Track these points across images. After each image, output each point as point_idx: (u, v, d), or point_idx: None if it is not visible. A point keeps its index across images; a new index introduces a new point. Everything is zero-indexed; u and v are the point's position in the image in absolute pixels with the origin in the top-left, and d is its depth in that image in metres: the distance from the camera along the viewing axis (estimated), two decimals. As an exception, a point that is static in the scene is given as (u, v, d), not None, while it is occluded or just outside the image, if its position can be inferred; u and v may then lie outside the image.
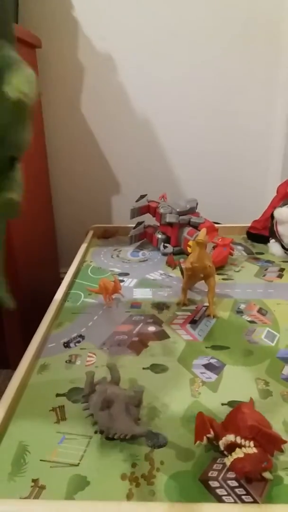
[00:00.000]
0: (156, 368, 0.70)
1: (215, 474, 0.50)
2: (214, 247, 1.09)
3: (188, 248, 1.13)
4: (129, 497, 0.47)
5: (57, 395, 0.63)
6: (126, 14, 1.38)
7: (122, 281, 1.02)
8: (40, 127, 1.47)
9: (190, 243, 1.11)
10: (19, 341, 1.20)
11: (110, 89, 1.47)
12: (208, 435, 0.50)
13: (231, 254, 1.13)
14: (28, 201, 1.30)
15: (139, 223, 1.27)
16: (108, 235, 1.38)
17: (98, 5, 1.37)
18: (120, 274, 1.07)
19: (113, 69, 1.45)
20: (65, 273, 1.04)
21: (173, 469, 0.50)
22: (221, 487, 0.48)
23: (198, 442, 0.51)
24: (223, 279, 1.04)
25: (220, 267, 1.09)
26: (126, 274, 1.07)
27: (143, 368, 0.69)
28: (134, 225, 1.27)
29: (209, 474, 0.50)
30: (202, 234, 0.81)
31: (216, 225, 1.21)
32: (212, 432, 0.50)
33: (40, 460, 0.52)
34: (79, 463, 0.51)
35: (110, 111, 1.51)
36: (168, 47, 1.42)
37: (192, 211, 1.19)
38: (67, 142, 1.56)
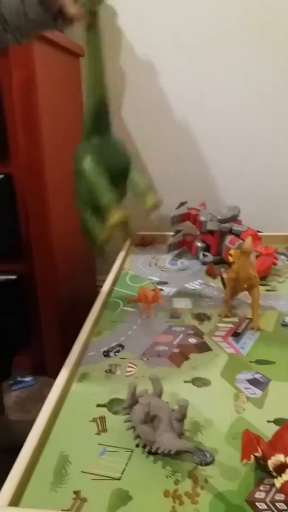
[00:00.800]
0: (198, 382, 0.68)
1: (262, 495, 0.48)
2: (257, 257, 1.06)
3: (229, 257, 1.10)
4: (172, 515, 0.45)
5: (98, 405, 0.62)
6: (168, 21, 1.38)
7: (161, 290, 1.01)
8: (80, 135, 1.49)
9: (232, 252, 1.08)
10: (57, 348, 1.20)
11: (151, 96, 1.47)
12: (255, 454, 0.48)
13: (275, 264, 1.09)
14: (68, 208, 1.32)
15: (177, 231, 1.26)
16: (145, 243, 1.37)
17: (141, 12, 1.38)
18: (159, 283, 1.06)
19: (154, 76, 1.45)
20: (103, 281, 1.04)
21: (218, 488, 0.48)
22: (269, 509, 0.46)
23: (245, 460, 0.48)
24: (266, 290, 1.01)
25: (263, 278, 1.05)
26: (165, 283, 1.06)
27: (185, 382, 0.68)
28: (172, 233, 1.26)
29: (256, 495, 0.48)
30: (248, 242, 0.78)
31: (259, 233, 1.18)
32: (259, 451, 0.48)
33: (82, 471, 0.51)
34: (121, 476, 0.50)
35: (151, 118, 1.51)
36: (210, 54, 1.40)
37: (234, 218, 1.16)
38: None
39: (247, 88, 1.43)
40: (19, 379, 1.26)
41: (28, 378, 1.26)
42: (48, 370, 1.28)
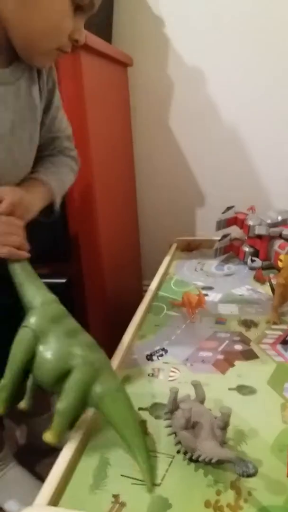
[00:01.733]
0: (244, 390, 0.65)
1: (311, 514, 0.45)
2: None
3: (279, 262, 1.06)
4: (213, 527, 0.44)
5: (140, 409, 0.62)
6: (215, 28, 1.37)
7: (206, 295, 0.99)
8: (129, 143, 1.52)
9: (282, 257, 1.04)
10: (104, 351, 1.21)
11: (197, 102, 1.47)
12: (303, 469, 0.45)
13: None
14: (116, 215, 1.34)
15: (224, 236, 1.23)
16: (191, 248, 1.35)
17: (187, 21, 1.38)
18: (204, 288, 1.04)
19: (202, 83, 1.44)
20: (148, 285, 1.04)
21: (262, 501, 0.46)
22: None
23: (291, 475, 0.46)
24: None
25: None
26: (210, 288, 1.04)
27: (229, 389, 0.65)
28: (219, 238, 1.23)
29: (304, 513, 0.45)
30: (296, 247, 0.75)
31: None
32: (308, 466, 0.45)
33: (121, 475, 0.50)
34: (161, 483, 0.49)
35: (198, 124, 1.50)
36: (256, 59, 1.38)
37: (284, 223, 1.12)
38: (154, 156, 1.58)
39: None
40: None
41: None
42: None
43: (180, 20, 1.39)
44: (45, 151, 0.80)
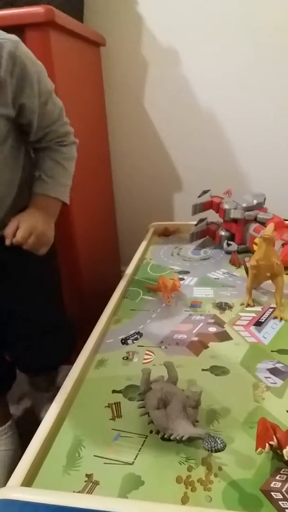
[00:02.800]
0: (217, 370, 0.66)
1: (278, 485, 0.46)
2: (283, 245, 1.02)
3: (254, 245, 1.07)
4: (184, 501, 0.45)
5: (113, 391, 0.62)
6: (190, 6, 1.35)
7: (182, 279, 1.00)
8: (103, 124, 1.49)
9: (257, 240, 1.05)
10: (80, 338, 1.21)
11: (173, 83, 1.45)
12: (270, 443, 0.46)
13: (303, 253, 1.05)
14: (92, 199, 1.32)
15: (201, 220, 1.23)
16: (168, 233, 1.36)
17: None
18: (180, 272, 1.04)
19: (177, 63, 1.42)
20: (126, 271, 1.04)
21: (232, 476, 0.47)
22: (284, 499, 0.44)
23: (259, 449, 0.47)
24: (292, 279, 0.98)
25: (288, 267, 1.02)
26: (187, 273, 1.04)
27: (203, 370, 0.66)
28: (196, 222, 1.24)
29: (272, 485, 0.46)
30: (269, 229, 0.76)
31: (286, 221, 1.14)
32: (275, 440, 0.46)
33: (94, 455, 0.51)
34: (133, 461, 0.50)
35: (174, 105, 1.48)
36: (233, 38, 1.37)
37: (259, 206, 1.13)
38: (129, 139, 1.56)
39: (273, 72, 1.38)
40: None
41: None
42: (73, 360, 1.29)
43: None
44: (42, 143, 0.78)
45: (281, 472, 0.48)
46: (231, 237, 1.16)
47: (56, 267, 0.93)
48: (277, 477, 0.47)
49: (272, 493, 0.45)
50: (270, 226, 0.76)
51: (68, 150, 0.81)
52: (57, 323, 0.89)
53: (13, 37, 0.65)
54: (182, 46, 1.40)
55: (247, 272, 0.92)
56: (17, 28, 0.85)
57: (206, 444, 0.44)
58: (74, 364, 0.66)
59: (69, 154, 0.81)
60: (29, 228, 0.70)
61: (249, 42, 1.36)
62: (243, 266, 1.01)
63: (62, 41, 1.02)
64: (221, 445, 0.44)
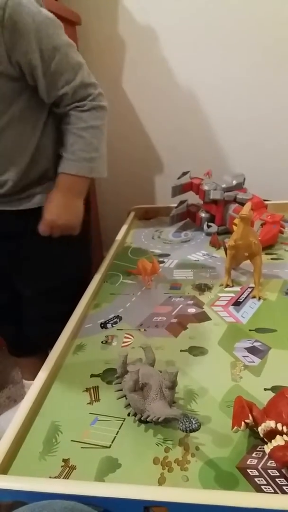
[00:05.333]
0: (195, 351, 0.66)
1: (254, 462, 0.46)
2: (262, 225, 1.02)
3: (234, 226, 1.07)
4: (161, 481, 0.45)
5: (92, 375, 0.62)
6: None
7: (162, 262, 0.99)
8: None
9: (236, 221, 1.05)
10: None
11: (151, 63, 1.42)
12: (246, 421, 0.46)
13: (282, 232, 1.06)
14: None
15: (181, 202, 1.22)
16: (149, 216, 1.34)
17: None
18: (161, 255, 1.04)
19: (154, 43, 1.39)
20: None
21: (209, 455, 0.47)
22: (260, 476, 0.45)
23: (235, 427, 0.47)
24: (272, 258, 0.98)
25: (269, 246, 1.02)
26: (167, 255, 1.04)
27: (181, 351, 0.66)
28: (176, 205, 1.23)
29: (248, 462, 0.46)
30: (246, 208, 0.75)
31: (265, 202, 1.13)
32: (251, 418, 0.46)
33: (72, 440, 0.51)
34: (111, 445, 0.50)
35: (152, 85, 1.46)
36: (211, 19, 1.34)
37: (238, 187, 1.12)
38: (109, 122, 1.53)
39: (250, 54, 1.37)
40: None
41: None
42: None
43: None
44: (61, 108, 0.74)
45: (257, 449, 0.48)
46: (212, 219, 1.16)
47: (79, 258, 0.95)
48: (253, 454, 0.47)
49: (248, 470, 0.45)
50: (247, 206, 0.76)
51: (89, 117, 0.75)
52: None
53: None
54: (159, 27, 1.37)
55: (226, 253, 0.92)
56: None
57: (181, 424, 0.44)
58: (52, 350, 0.65)
59: (90, 122, 0.75)
60: (49, 223, 0.74)
61: (229, 21, 1.33)
62: (223, 247, 1.01)
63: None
64: (195, 425, 0.44)
